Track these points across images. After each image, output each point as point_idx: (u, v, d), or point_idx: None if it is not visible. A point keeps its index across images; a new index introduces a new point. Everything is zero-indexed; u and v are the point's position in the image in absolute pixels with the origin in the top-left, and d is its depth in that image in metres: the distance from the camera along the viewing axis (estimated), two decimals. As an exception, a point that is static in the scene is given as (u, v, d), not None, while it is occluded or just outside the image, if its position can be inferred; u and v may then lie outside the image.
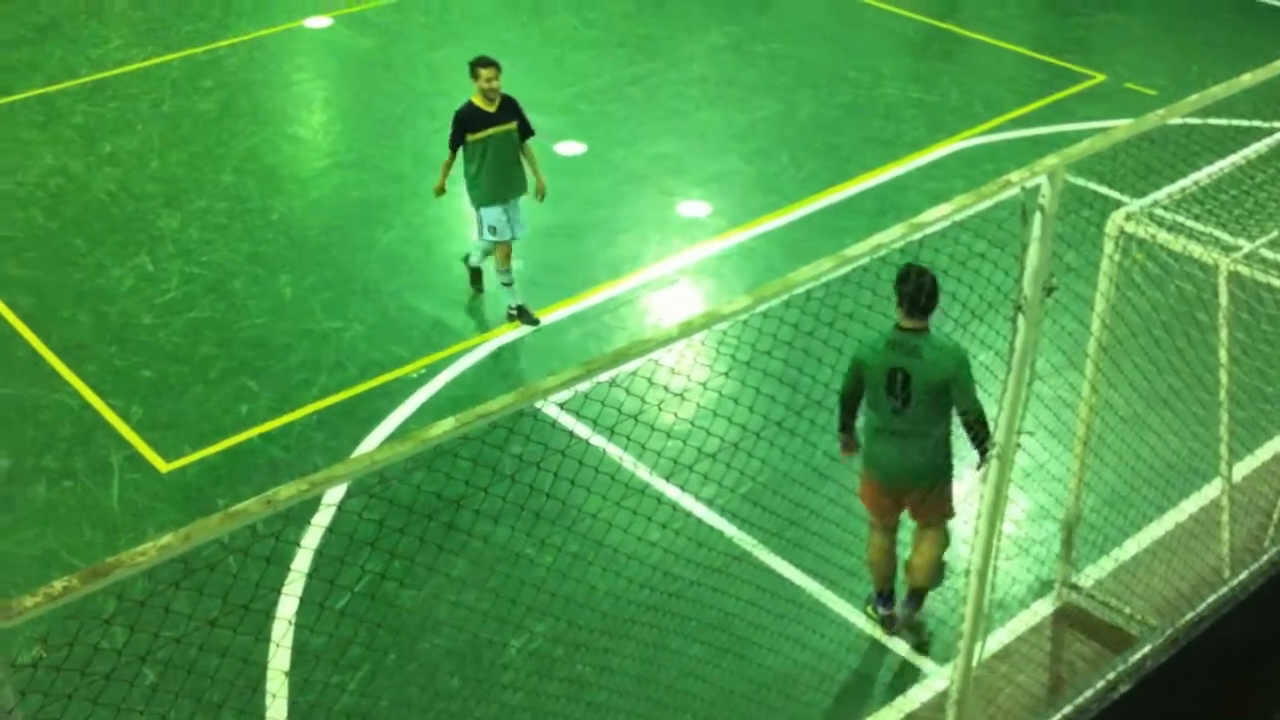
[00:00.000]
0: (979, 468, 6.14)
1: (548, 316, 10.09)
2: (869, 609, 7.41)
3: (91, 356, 9.67)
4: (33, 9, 15.59)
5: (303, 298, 10.35)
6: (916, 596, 7.25)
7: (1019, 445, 5.48)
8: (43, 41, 14.77)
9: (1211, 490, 7.74)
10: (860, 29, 15.03)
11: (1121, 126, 5.22)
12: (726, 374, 7.71)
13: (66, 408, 9.15)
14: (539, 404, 7.49)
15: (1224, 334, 6.60)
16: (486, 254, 10.23)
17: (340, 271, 10.69)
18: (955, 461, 6.94)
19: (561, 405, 8.54)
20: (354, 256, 10.89)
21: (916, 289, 6.46)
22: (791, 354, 5.43)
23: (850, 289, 5.44)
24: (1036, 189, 4.91)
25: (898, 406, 6.64)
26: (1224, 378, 6.72)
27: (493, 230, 9.86)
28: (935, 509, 6.95)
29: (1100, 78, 13.75)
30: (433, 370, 9.49)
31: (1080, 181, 9.77)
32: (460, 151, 9.73)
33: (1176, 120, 5.39)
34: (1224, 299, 6.50)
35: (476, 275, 10.44)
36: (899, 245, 4.60)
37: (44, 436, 8.89)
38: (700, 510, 7.87)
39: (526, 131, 9.87)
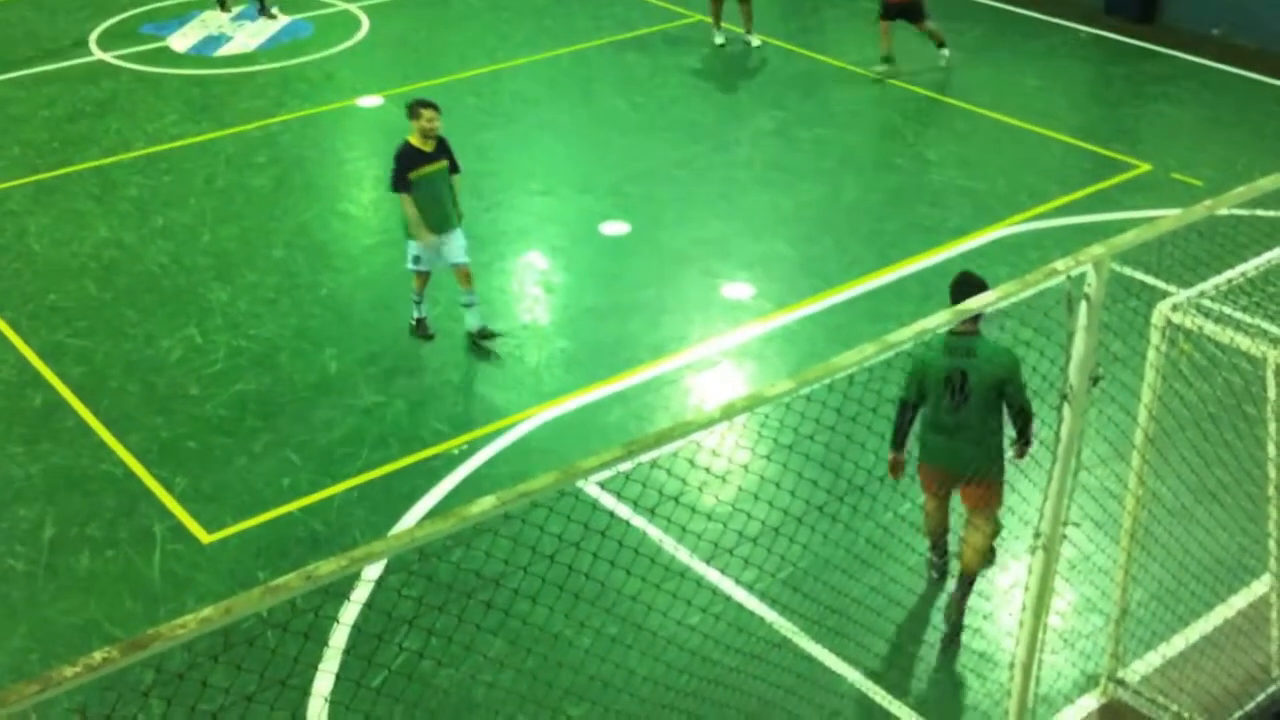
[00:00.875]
0: (1020, 456, 7.08)
1: (590, 395, 10.11)
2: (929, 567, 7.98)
3: (138, 427, 9.76)
4: (93, 84, 15.95)
5: (348, 372, 10.43)
6: (966, 581, 7.60)
7: (1065, 537, 5.42)
8: (101, 115, 15.10)
9: (1260, 586, 7.60)
10: (906, 117, 15.12)
11: (1168, 217, 5.21)
12: (768, 457, 7.68)
13: (112, 477, 9.23)
14: (580, 483, 7.48)
15: (1272, 427, 6.52)
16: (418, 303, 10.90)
17: (385, 347, 10.77)
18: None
19: (602, 485, 8.53)
20: (399, 333, 10.97)
21: (967, 295, 6.64)
22: (833, 438, 5.41)
23: (893, 374, 5.43)
24: (1082, 278, 4.90)
25: (955, 404, 7.15)
26: (1272, 472, 6.63)
27: (416, 260, 10.59)
28: (985, 498, 7.37)
29: (1146, 168, 13.75)
30: (474, 447, 9.51)
31: (1126, 271, 9.73)
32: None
33: (1223, 211, 5.38)
34: (1272, 392, 6.43)
35: (420, 324, 10.95)
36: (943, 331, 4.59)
37: (89, 505, 8.96)
38: (740, 595, 7.80)
39: (455, 168, 10.66)
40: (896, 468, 7.48)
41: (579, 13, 18.25)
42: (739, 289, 11.62)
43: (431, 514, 8.73)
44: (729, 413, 3.99)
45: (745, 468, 7.45)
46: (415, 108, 10.39)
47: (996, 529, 7.53)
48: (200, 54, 16.76)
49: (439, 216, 10.51)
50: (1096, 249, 4.86)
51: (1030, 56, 17.03)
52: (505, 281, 11.93)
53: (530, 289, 11.77)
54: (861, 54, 16.94)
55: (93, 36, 17.35)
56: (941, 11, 18.60)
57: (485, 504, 3.55)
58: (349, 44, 17.01)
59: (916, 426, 7.45)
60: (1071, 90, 16.30)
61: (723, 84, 16.13)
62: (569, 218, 12.98)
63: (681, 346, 10.75)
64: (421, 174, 10.37)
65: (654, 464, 4.21)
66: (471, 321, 10.80)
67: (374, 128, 15.06)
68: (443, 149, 10.53)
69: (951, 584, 7.86)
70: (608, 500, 8.34)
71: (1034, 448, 7.10)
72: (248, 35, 17.35)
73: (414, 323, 10.99)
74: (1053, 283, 4.85)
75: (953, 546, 7.94)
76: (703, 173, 13.81)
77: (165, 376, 10.38)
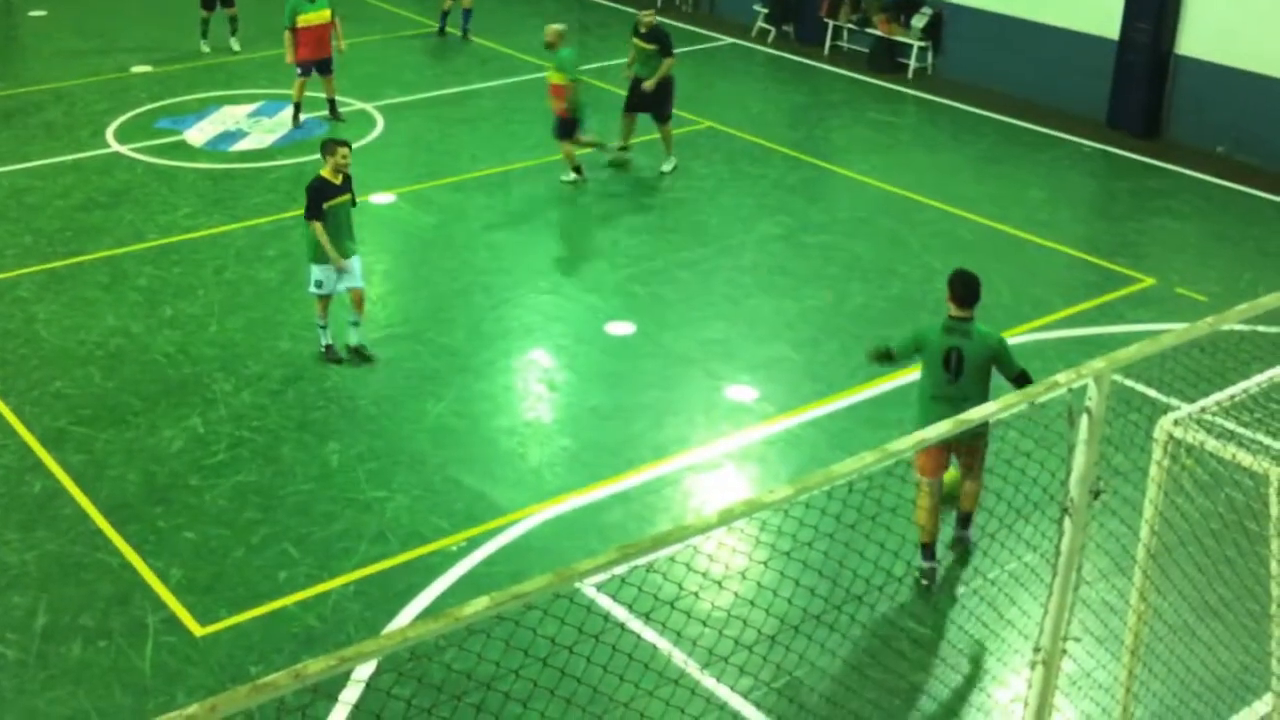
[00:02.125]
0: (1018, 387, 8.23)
1: (591, 495, 10.08)
2: (916, 571, 8.85)
3: (136, 516, 9.73)
4: (108, 175, 16.13)
5: (349, 466, 10.41)
6: (966, 519, 9.18)
7: (1065, 651, 5.36)
8: (115, 206, 15.25)
9: (1262, 706, 7.49)
10: (913, 225, 15.24)
11: (1171, 331, 5.23)
12: (766, 563, 7.63)
13: (107, 566, 9.18)
14: (576, 585, 7.43)
15: (1274, 545, 6.47)
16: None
17: (388, 441, 10.77)
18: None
19: (599, 587, 8.46)
20: (402, 427, 10.98)
21: (964, 286, 8.65)
22: (832, 546, 5.38)
23: (893, 483, 5.42)
24: (1084, 391, 4.91)
25: (951, 378, 8.61)
26: (1275, 589, 6.57)
27: (319, 285, 11.73)
28: (978, 456, 8.79)
29: (1150, 282, 13.83)
30: (472, 544, 9.46)
31: (1129, 384, 9.74)
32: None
33: (1227, 327, 5.40)
34: (1274, 509, 6.39)
35: (329, 350, 11.97)
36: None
37: (83, 595, 8.90)
38: (737, 702, 7.70)
39: (354, 201, 11.93)
40: (877, 359, 9.16)
41: (590, 117, 18.50)
42: (742, 391, 11.63)
43: (425, 613, 8.66)
44: (727, 518, 3.98)
45: (743, 574, 7.40)
46: (331, 145, 11.66)
47: (982, 480, 8.97)
48: (216, 148, 16.97)
49: (344, 243, 11.73)
50: (1098, 363, 4.88)
51: (1035, 169, 17.22)
52: (510, 379, 11.96)
53: (534, 387, 11.79)
54: (868, 162, 17.15)
55: (110, 129, 17.59)
56: (948, 124, 18.88)
57: (479, 605, 3.53)
58: (364, 142, 17.23)
59: (916, 403, 8.97)
60: (1076, 203, 16.45)
61: (729, 188, 16.30)
62: (575, 317, 13.05)
63: (683, 448, 10.74)
64: (332, 204, 11.59)
65: (651, 567, 4.18)
66: (353, 337, 11.99)
67: (385, 224, 15.21)
68: (348, 184, 11.76)
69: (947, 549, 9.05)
70: (604, 602, 8.28)
71: (1033, 559, 7.06)
72: (264, 131, 17.59)
73: (323, 349, 11.99)
74: (1054, 395, 4.86)
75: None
76: (708, 275, 13.90)
77: (166, 466, 10.36)
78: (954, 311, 8.69)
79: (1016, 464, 5.60)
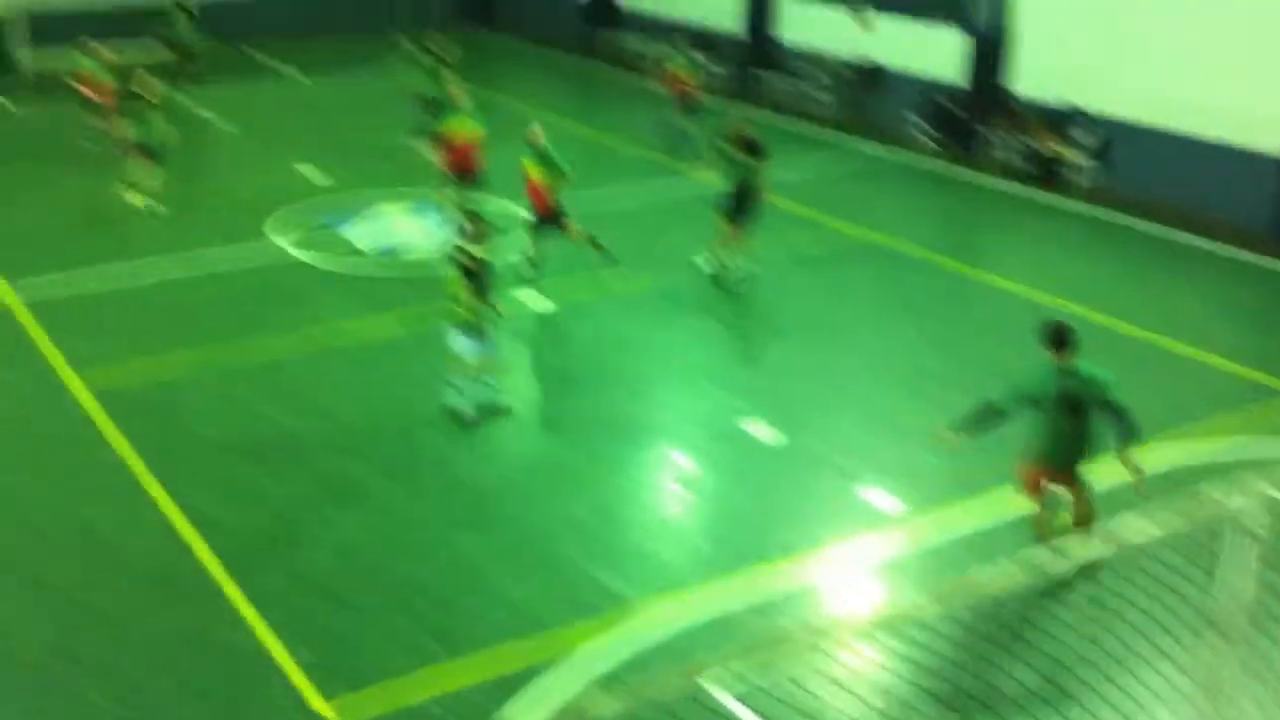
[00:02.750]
0: (1125, 448, 9.30)
1: (723, 594, 9.94)
2: None
3: (279, 603, 9.78)
4: (267, 271, 16.55)
5: (482, 553, 10.44)
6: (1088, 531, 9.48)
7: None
8: (272, 302, 15.65)
9: None
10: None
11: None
12: (900, 674, 7.43)
13: (241, 649, 9.28)
14: (703, 684, 7.31)
15: None
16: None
17: (522, 531, 10.78)
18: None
19: (725, 688, 8.30)
20: (537, 518, 10.98)
21: (1065, 335, 9.40)
22: (971, 660, 5.22)
23: (1045, 601, 5.22)
24: (1242, 509, 4.71)
25: (1072, 418, 9.33)
26: None
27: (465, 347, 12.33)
28: (1080, 480, 9.58)
29: (1311, 397, 13.31)
30: (603, 640, 9.37)
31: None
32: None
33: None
34: None
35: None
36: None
37: (216, 671, 9.01)
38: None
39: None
40: (958, 439, 9.79)
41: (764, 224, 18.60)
42: (880, 496, 11.44)
43: (561, 713, 8.58)
44: (865, 626, 3.88)
45: (876, 684, 7.19)
46: (472, 218, 12.57)
47: (1093, 495, 9.65)
48: (373, 249, 17.31)
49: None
50: (1256, 478, 4.68)
51: (1189, 279, 16.79)
52: (643, 474, 11.94)
53: (669, 483, 11.75)
54: (1020, 270, 16.92)
55: (270, 225, 18.11)
56: (1105, 235, 18.54)
57: (606, 704, 3.48)
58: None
59: (1035, 440, 9.59)
60: (1233, 315, 15.96)
61: (874, 292, 16.19)
62: (711, 413, 13.02)
63: (817, 550, 10.57)
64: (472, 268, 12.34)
65: (781, 671, 4.08)
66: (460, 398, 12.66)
67: (541, 328, 15.32)
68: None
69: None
70: (730, 704, 8.11)
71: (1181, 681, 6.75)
72: (422, 233, 17.84)
73: (459, 411, 12.65)
74: (1211, 513, 4.67)
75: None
76: (849, 376, 13.78)
77: (316, 559, 10.47)
78: (1060, 360, 9.38)
79: (1169, 583, 5.37)
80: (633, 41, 28.98)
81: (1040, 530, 9.89)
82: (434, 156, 17.69)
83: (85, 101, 21.14)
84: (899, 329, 15.02)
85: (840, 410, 13.04)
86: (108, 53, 21.59)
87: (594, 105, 26.98)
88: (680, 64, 22.33)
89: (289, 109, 25.48)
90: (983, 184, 20.94)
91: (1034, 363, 9.63)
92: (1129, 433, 9.34)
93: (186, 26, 27.02)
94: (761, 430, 12.60)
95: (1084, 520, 9.63)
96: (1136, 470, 9.31)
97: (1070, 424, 9.42)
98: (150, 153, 18.76)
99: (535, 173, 15.53)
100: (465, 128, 17.39)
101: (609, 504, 11.31)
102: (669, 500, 11.44)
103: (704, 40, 26.32)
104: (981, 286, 16.48)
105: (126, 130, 18.88)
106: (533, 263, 15.83)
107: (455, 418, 12.42)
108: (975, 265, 17.18)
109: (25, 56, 27.57)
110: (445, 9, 32.55)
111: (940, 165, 21.74)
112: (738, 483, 11.71)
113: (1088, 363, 9.48)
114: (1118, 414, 9.35)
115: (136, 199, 18.72)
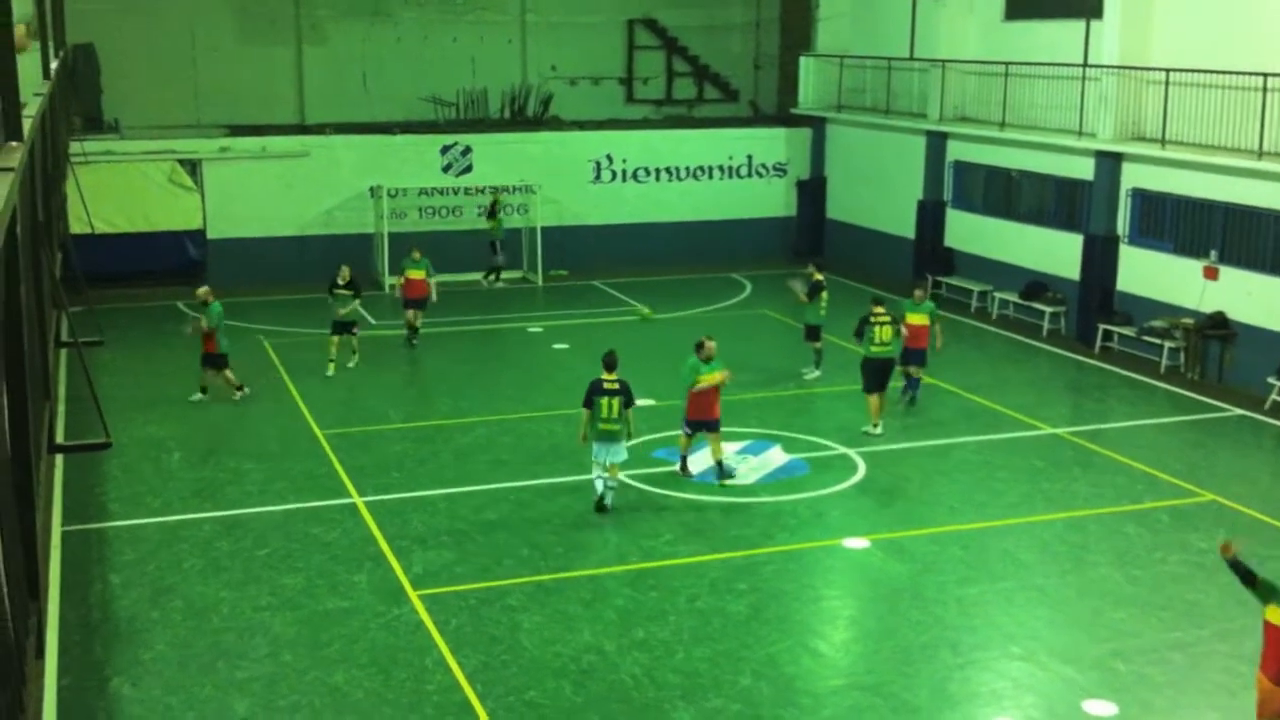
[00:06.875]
0: None
1: None
2: None
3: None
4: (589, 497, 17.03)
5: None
6: None
7: None
8: (602, 527, 16.07)
9: None
10: None
11: None
12: None
13: None
14: None
15: None
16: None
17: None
18: None
19: None
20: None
21: None
22: None
23: None
24: None
25: None
26: None
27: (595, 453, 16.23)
28: None
29: None
30: None
31: None
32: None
33: None
34: None
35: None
36: None
37: None
38: None
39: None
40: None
41: (1079, 478, 17.92)
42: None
43: None
44: None
45: None
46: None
47: None
48: (703, 480, 17.61)
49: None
50: None
51: None
52: (971, 710, 11.28)
53: (999, 759, 11.04)
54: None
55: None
56: None
57: None
58: (842, 486, 17.42)
59: None
60: None
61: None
62: (1048, 689, 12.25)
63: None
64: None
65: None
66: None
67: (855, 569, 15.11)
68: (623, 389, 16.13)
69: None
70: None
71: None
72: (749, 468, 18.16)
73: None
74: None
75: None
76: (1202, 659, 12.75)
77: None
78: None
79: None
80: (964, 283, 28.95)
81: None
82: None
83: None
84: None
85: (1194, 697, 12.05)
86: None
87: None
88: (918, 312, 20.85)
89: (628, 341, 26.30)
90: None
91: None
92: None
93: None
94: (1110, 712, 11.75)
95: None
96: None
97: None
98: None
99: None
100: (709, 376, 17.31)
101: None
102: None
103: (1038, 288, 26.33)
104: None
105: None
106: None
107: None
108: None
109: (386, 275, 29.82)
110: (783, 247, 33.94)
111: (1308, 437, 20.25)
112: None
113: None
114: None
115: None
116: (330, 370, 22.77)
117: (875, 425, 19.51)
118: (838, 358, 22.59)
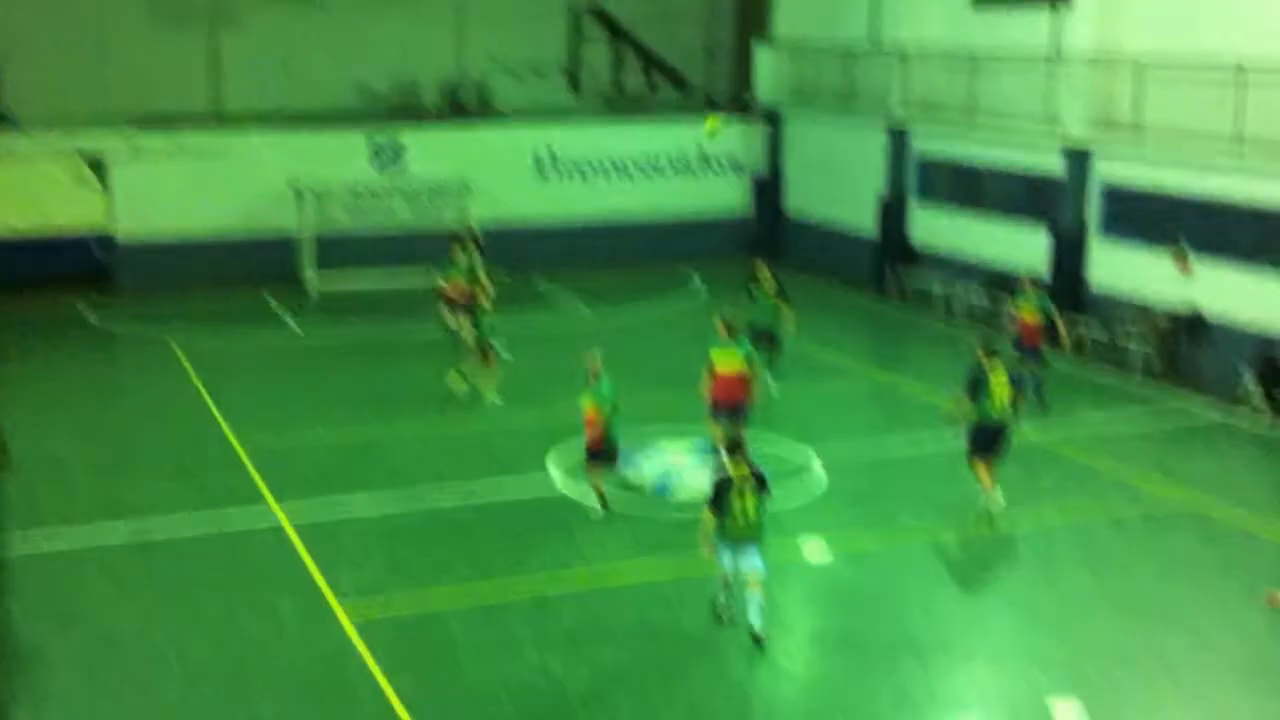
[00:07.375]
0: None
1: None
2: None
3: None
4: (542, 507, 16.19)
5: None
6: None
7: None
8: (546, 541, 15.24)
9: None
10: None
11: None
12: None
13: None
14: None
15: None
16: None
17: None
18: None
19: None
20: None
21: None
22: None
23: None
24: None
25: None
26: None
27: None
28: None
29: None
30: None
31: None
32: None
33: None
34: None
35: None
36: None
37: None
38: None
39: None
40: None
41: (1045, 479, 17.38)
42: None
43: None
44: None
45: None
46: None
47: None
48: (657, 492, 16.75)
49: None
50: None
51: None
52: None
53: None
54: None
55: (551, 460, 17.76)
56: None
57: None
58: (803, 493, 16.69)
59: None
60: None
61: (1210, 568, 14.57)
62: (1014, 691, 11.90)
63: None
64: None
65: None
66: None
67: (817, 577, 14.56)
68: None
69: None
70: None
71: None
72: (704, 478, 17.07)
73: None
74: None
75: None
76: (1173, 663, 12.32)
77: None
78: None
79: None
80: (930, 281, 27.88)
81: None
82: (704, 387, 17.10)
83: (447, 300, 22.48)
84: (1238, 614, 13.31)
85: (1166, 701, 11.66)
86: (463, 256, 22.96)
87: (884, 346, 26.50)
88: (1028, 305, 20.29)
89: (570, 340, 25.12)
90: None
91: None
92: None
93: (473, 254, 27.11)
94: (1075, 713, 11.28)
95: None
96: None
97: None
98: (485, 352, 20.32)
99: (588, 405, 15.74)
100: (730, 360, 16.82)
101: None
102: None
103: (1002, 282, 25.25)
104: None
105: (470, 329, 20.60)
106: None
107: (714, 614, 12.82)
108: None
109: (312, 278, 28.79)
110: (735, 244, 32.26)
111: (1276, 425, 19.70)
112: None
113: None
114: None
115: (458, 384, 20.56)
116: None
117: (992, 491, 15.84)
118: (791, 357, 21.79)
